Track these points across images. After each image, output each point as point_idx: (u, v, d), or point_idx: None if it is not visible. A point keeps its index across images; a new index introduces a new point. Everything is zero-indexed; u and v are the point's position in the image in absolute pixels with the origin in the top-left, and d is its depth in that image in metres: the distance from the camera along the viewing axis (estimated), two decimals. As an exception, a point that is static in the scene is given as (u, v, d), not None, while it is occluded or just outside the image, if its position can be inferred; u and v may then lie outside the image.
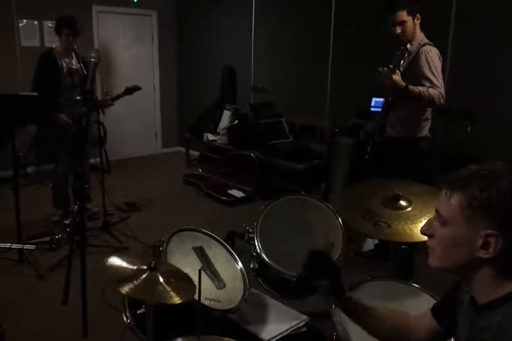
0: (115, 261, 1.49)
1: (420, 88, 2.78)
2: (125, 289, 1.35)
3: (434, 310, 1.27)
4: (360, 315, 1.34)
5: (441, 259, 1.04)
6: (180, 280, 1.45)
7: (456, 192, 0.99)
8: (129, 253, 3.45)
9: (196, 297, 1.44)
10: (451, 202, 0.99)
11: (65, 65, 3.86)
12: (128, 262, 1.49)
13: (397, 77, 2.78)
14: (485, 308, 1.00)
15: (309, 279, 1.39)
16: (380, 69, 2.84)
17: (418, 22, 2.89)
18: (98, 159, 4.10)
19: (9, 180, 3.64)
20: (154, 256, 1.92)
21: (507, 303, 0.96)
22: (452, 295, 1.19)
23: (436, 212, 1.05)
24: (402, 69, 2.87)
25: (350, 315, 1.36)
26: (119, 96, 3.94)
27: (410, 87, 2.78)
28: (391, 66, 2.83)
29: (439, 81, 2.81)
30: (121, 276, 1.40)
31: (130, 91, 3.88)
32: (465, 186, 0.97)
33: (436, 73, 2.81)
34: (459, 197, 0.98)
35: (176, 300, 1.35)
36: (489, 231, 0.94)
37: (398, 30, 2.87)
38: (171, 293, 1.37)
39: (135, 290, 1.36)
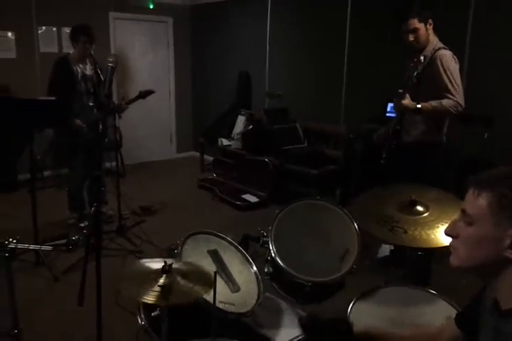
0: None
1: (433, 103, 2.77)
2: (140, 295, 1.36)
3: (458, 318, 1.25)
4: None
5: (464, 258, 1.02)
6: (197, 275, 1.45)
7: (484, 191, 0.98)
8: (143, 256, 3.46)
9: (211, 300, 1.44)
10: (479, 200, 0.98)
11: (79, 70, 3.93)
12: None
13: (406, 101, 2.80)
14: (510, 314, 0.97)
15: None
16: (400, 91, 2.84)
17: (431, 27, 2.86)
18: (114, 163, 4.15)
19: (26, 183, 3.69)
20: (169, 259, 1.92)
21: None
22: (476, 302, 1.16)
23: (462, 211, 1.03)
24: (415, 81, 2.86)
25: None
26: (132, 100, 3.97)
27: (423, 105, 2.78)
28: (400, 91, 2.83)
29: (456, 89, 2.77)
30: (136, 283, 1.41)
31: (143, 95, 3.90)
32: (494, 185, 0.96)
33: (454, 81, 2.78)
34: (487, 195, 0.97)
35: (197, 295, 1.35)
36: None
37: (411, 37, 2.85)
38: (190, 290, 1.37)
39: (150, 296, 1.37)
